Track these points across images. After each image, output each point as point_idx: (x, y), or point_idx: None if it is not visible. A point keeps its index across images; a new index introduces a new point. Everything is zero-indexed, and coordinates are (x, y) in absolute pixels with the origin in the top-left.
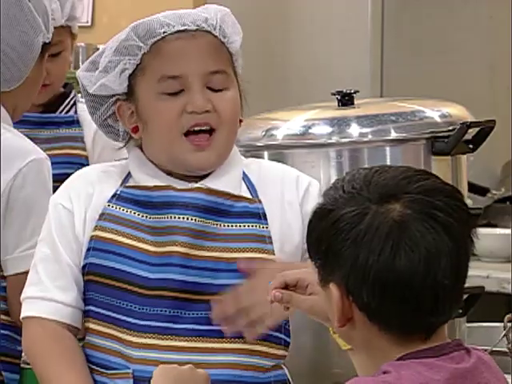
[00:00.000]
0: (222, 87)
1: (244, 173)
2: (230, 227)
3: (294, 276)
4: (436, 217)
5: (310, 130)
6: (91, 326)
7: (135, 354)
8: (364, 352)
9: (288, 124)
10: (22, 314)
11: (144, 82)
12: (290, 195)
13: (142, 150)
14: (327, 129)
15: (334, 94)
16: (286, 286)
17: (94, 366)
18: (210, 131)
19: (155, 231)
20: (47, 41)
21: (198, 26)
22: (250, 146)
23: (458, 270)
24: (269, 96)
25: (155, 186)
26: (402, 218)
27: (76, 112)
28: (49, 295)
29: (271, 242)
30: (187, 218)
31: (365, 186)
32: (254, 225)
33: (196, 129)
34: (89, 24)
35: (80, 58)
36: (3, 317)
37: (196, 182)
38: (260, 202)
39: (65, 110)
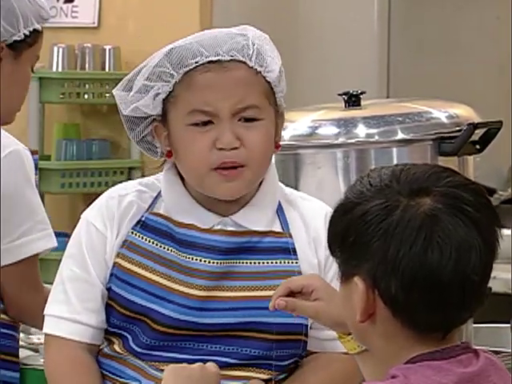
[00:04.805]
0: (253, 117)
1: (280, 205)
2: (258, 264)
3: (299, 282)
4: (466, 212)
5: (316, 131)
6: (110, 339)
7: (151, 371)
8: (376, 352)
9: (295, 125)
10: (45, 330)
11: (175, 111)
12: (324, 238)
13: (175, 168)
14: (334, 130)
15: (341, 95)
16: (290, 292)
17: (106, 373)
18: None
19: (176, 267)
20: (18, 39)
21: (232, 56)
22: None
23: (485, 266)
24: None
25: (178, 222)
26: (433, 212)
27: None
28: (78, 317)
29: None
30: (208, 262)
31: (394, 180)
32: (283, 260)
33: (224, 166)
34: (95, 25)
35: (87, 58)
36: (2, 315)
37: (226, 215)
38: (290, 236)
39: None
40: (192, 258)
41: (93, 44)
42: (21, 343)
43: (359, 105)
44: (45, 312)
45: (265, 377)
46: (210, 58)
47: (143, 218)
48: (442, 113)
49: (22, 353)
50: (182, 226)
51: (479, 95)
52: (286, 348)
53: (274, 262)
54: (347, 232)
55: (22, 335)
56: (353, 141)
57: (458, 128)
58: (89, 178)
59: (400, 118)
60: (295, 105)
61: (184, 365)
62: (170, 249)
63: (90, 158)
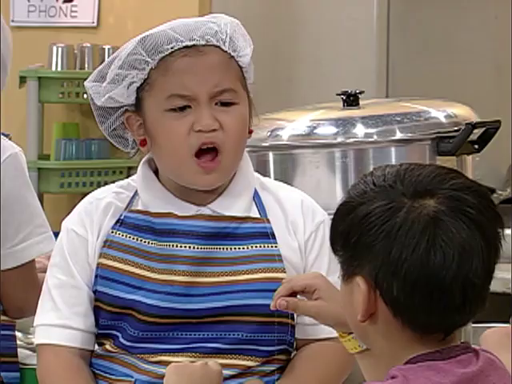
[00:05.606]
0: (229, 101)
1: (256, 192)
2: (237, 250)
3: (301, 282)
4: (469, 215)
5: (315, 131)
6: (101, 341)
7: (142, 365)
8: (377, 351)
9: (293, 124)
10: (37, 341)
11: (151, 98)
12: (302, 223)
13: (150, 164)
14: (332, 129)
15: (340, 95)
16: (292, 292)
17: (99, 372)
18: (217, 150)
19: (157, 258)
20: None
21: (206, 40)
22: (256, 147)
23: (487, 269)
24: (274, 96)
25: (156, 213)
26: (436, 214)
27: None
28: (67, 323)
29: (281, 260)
30: (189, 247)
31: (398, 181)
32: (262, 245)
33: (203, 147)
34: (94, 24)
35: (86, 58)
36: (2, 317)
37: (204, 205)
38: (268, 221)
39: None
40: (173, 246)
41: (92, 44)
42: (19, 343)
43: (357, 104)
44: (34, 323)
45: (253, 364)
46: (185, 43)
47: (122, 217)
48: (440, 112)
49: (21, 353)
50: (160, 216)
51: (478, 95)
52: (273, 332)
53: (254, 246)
54: (350, 232)
55: (20, 335)
56: (351, 140)
57: (456, 128)
58: (88, 178)
59: (398, 118)
60: (293, 104)
61: (186, 363)
62: (150, 242)
63: (89, 158)
